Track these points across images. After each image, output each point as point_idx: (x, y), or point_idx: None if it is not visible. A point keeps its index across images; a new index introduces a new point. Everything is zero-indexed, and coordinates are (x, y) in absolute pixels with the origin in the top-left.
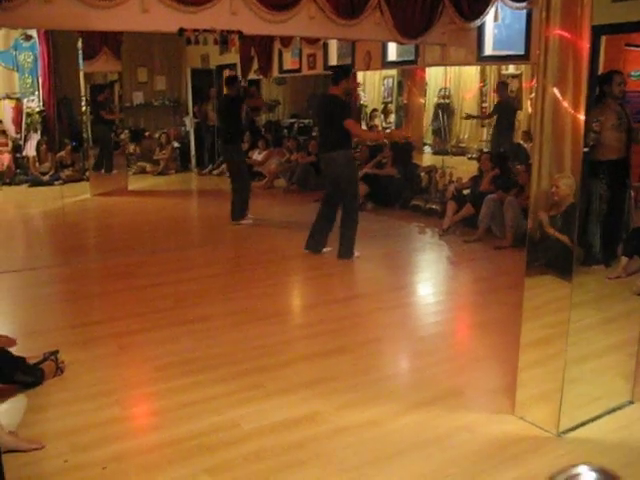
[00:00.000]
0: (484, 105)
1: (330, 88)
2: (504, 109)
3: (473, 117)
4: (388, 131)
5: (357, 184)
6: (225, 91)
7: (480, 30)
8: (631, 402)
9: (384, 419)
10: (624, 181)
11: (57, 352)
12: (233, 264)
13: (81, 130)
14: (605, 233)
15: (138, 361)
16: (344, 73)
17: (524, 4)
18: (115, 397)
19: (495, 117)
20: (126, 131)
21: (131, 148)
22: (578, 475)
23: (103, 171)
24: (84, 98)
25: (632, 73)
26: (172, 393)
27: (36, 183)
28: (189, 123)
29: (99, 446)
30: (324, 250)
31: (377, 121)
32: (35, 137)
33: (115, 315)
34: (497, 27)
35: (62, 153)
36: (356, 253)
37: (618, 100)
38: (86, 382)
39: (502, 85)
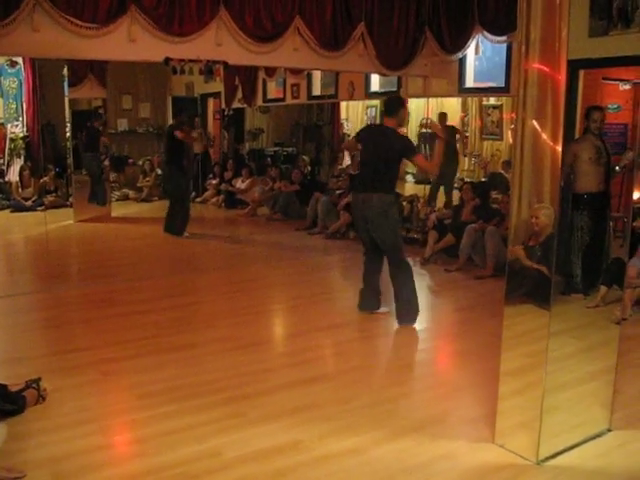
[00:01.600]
0: (466, 134)
1: (385, 120)
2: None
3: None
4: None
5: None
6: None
7: (461, 62)
8: (609, 430)
9: (366, 447)
10: (605, 213)
11: (39, 380)
12: (216, 291)
13: (65, 156)
14: (586, 263)
15: (121, 389)
16: (401, 103)
17: (504, 38)
18: (97, 425)
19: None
20: (107, 159)
21: (114, 175)
22: None
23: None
24: (69, 124)
25: (609, 106)
26: (155, 421)
27: (19, 208)
28: None
29: (81, 475)
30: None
31: None
32: (18, 162)
33: (98, 342)
34: (478, 60)
35: (45, 179)
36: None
37: (597, 135)
38: (68, 410)
39: (443, 115)
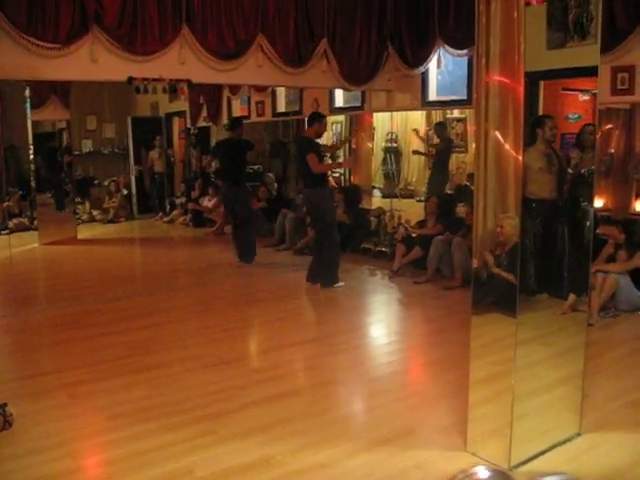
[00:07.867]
0: (431, 149)
1: (305, 130)
2: (443, 150)
3: (421, 154)
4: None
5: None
6: (229, 134)
7: (424, 76)
8: (579, 434)
9: (338, 460)
10: (560, 221)
11: (5, 405)
12: (185, 311)
13: (29, 178)
14: (544, 269)
15: (89, 411)
16: (317, 118)
17: (465, 51)
18: (66, 449)
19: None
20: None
21: (80, 197)
22: (476, 473)
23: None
24: (32, 146)
25: (569, 116)
26: (124, 442)
27: None
28: (132, 171)
29: None
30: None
31: None
32: None
33: (66, 365)
34: (440, 73)
35: (9, 202)
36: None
37: (550, 143)
38: (36, 435)
39: (441, 126)
